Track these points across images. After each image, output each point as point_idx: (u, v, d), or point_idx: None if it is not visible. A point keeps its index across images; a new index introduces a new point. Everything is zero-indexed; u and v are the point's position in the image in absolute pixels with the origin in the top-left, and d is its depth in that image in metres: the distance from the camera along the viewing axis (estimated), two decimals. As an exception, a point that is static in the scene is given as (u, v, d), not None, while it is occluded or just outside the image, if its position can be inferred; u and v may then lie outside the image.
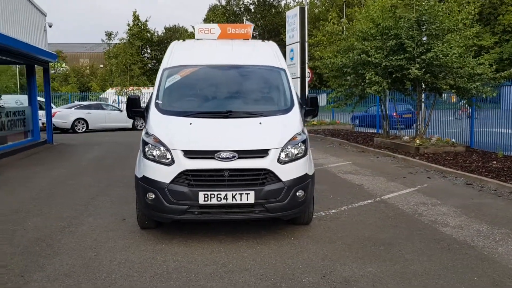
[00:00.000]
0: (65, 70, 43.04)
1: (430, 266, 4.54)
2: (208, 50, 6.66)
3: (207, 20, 46.13)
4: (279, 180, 5.00)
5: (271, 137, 5.16)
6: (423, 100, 13.83)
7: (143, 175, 5.15)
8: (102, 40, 42.64)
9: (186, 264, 4.56)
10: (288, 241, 5.25)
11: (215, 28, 7.06)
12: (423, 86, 13.37)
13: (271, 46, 6.85)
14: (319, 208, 6.75)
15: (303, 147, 5.32)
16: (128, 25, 41.88)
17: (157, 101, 5.76)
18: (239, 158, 4.93)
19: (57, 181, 9.08)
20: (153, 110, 5.62)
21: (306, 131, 5.65)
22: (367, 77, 12.56)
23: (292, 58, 21.12)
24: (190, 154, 4.95)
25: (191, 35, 45.68)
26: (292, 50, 21.11)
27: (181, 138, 5.09)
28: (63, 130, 21.68)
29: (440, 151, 12.05)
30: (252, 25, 7.21)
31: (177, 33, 46.05)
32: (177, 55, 6.46)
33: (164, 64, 6.32)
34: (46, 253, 4.91)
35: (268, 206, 4.97)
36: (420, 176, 9.50)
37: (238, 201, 4.88)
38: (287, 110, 5.72)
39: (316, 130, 19.19)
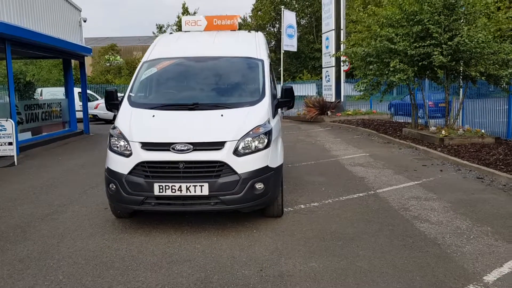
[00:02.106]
0: (119, 63, 44.77)
1: (378, 263, 4.38)
2: (189, 42, 6.74)
3: (254, 10, 46.10)
4: (234, 172, 5.00)
5: (228, 129, 5.15)
6: (461, 88, 13.15)
7: (107, 167, 5.34)
8: (154, 33, 43.93)
9: (135, 254, 4.68)
10: (249, 234, 5.24)
11: (202, 20, 7.14)
12: (456, 74, 12.73)
13: (256, 37, 6.80)
14: (302, 201, 6.69)
15: (265, 139, 5.27)
16: (178, 17, 42.74)
17: (130, 93, 5.91)
18: (194, 150, 4.97)
19: (71, 170, 9.54)
20: (124, 103, 5.78)
21: (272, 123, 5.57)
22: (391, 65, 12.11)
23: (327, 47, 20.76)
24: (147, 146, 5.06)
25: (240, 26, 45.91)
26: (327, 39, 20.74)
27: (140, 130, 5.21)
28: (107, 121, 22.61)
29: (466, 143, 11.43)
30: (238, 16, 7.20)
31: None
32: (158, 48, 6.59)
33: (145, 57, 6.48)
34: (16, 239, 5.22)
35: (223, 198, 4.98)
36: (432, 169, 9.10)
37: (192, 193, 4.94)
38: (255, 101, 5.68)
39: (350, 120, 18.78)
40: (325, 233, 5.26)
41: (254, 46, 6.50)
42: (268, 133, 5.33)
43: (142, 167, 5.03)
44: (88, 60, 50.26)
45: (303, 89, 25.08)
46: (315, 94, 23.52)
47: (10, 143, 10.11)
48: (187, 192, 4.93)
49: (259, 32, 7.12)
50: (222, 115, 5.34)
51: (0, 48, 11.09)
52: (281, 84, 24.45)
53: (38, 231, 5.48)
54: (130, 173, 5.06)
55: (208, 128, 5.20)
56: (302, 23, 45.60)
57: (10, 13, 11.31)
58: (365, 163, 9.91)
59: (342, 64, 19.41)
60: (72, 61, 16.98)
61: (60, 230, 5.50)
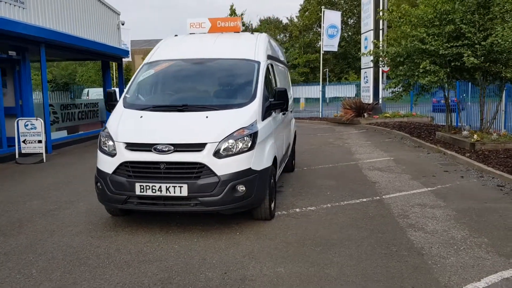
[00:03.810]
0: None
1: (349, 271, 4.24)
2: (189, 45, 6.81)
3: (302, 10, 45.82)
4: (214, 174, 5.00)
5: (210, 131, 5.16)
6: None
7: (97, 166, 5.50)
8: (201, 35, 44.62)
9: (112, 252, 4.79)
10: (231, 236, 5.23)
11: (206, 22, 7.18)
12: (493, 76, 12.10)
13: (257, 39, 6.77)
14: (300, 204, 6.59)
15: (249, 141, 5.23)
16: (225, 19, 43.20)
17: (126, 95, 6.06)
18: (175, 151, 5.03)
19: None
20: (118, 104, 5.93)
21: (260, 125, 5.51)
22: (421, 66, 11.69)
23: (366, 47, 20.25)
24: (130, 146, 5.17)
25: (286, 26, 45.85)
26: (366, 39, 20.27)
27: (126, 131, 5.32)
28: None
29: (499, 148, 10.80)
30: (240, 18, 7.18)
31: (271, 24, 46.53)
32: (160, 50, 6.71)
33: (147, 59, 6.61)
34: (11, 233, 5.49)
35: (202, 199, 5.00)
36: (453, 175, 8.68)
37: (172, 194, 4.99)
38: (245, 103, 5.65)
39: (386, 123, 18.24)
40: (308, 238, 5.15)
41: (253, 47, 6.46)
42: (253, 135, 5.29)
43: (125, 167, 5.15)
44: (140, 62, 51.94)
45: (342, 91, 24.67)
46: (354, 95, 23.06)
47: (40, 141, 10.61)
48: (167, 192, 4.99)
49: (262, 34, 7.07)
50: (207, 117, 5.36)
51: (36, 50, 11.66)
52: (320, 85, 24.21)
53: (34, 226, 5.73)
54: (114, 172, 5.19)
55: (190, 130, 5.23)
56: (350, 23, 44.86)
57: (45, 17, 11.88)
58: (384, 167, 9.61)
59: (381, 64, 18.95)
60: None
61: (55, 226, 5.72)
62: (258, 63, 6.21)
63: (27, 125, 10.57)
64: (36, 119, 10.66)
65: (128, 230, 5.47)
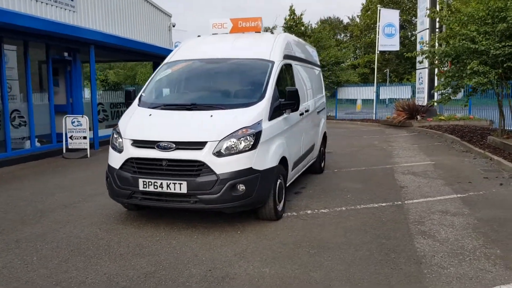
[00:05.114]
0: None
1: (335, 276, 4.13)
2: (209, 45, 6.90)
3: (363, 9, 44.82)
4: (213, 172, 5.05)
5: (212, 129, 5.21)
6: None
7: (108, 162, 5.73)
8: (261, 36, 44.82)
9: (113, 244, 4.98)
10: (231, 235, 5.25)
11: (227, 22, 7.24)
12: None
13: (276, 39, 6.73)
14: (314, 206, 6.50)
15: (251, 140, 5.23)
16: (285, 19, 43.14)
17: (142, 93, 6.26)
18: (177, 149, 5.13)
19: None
20: (134, 102, 6.14)
21: (265, 125, 5.48)
22: (468, 67, 11.10)
23: (421, 47, 19.47)
24: (136, 143, 5.35)
25: (346, 26, 45.04)
26: (421, 38, 19.46)
27: (133, 128, 5.51)
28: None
29: (553, 155, 10.02)
30: (260, 18, 7.12)
31: (331, 24, 45.86)
32: (181, 50, 6.87)
33: (167, 59, 6.78)
34: (31, 222, 5.85)
35: (201, 197, 5.07)
36: (492, 182, 8.16)
37: (172, 190, 5.10)
38: (252, 103, 5.65)
39: (440, 126, 17.44)
40: (307, 240, 5.07)
41: (270, 48, 6.43)
42: (256, 135, 5.28)
43: (130, 163, 5.33)
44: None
45: (398, 92, 23.86)
46: (409, 97, 22.24)
47: (85, 137, 11.20)
48: (167, 189, 5.11)
49: (282, 34, 7.02)
50: (211, 116, 5.42)
51: (86, 51, 12.31)
52: (374, 86, 23.61)
53: (53, 217, 6.07)
54: (120, 168, 5.39)
55: (193, 128, 5.32)
56: (414, 21, 43.28)
57: (95, 19, 12.52)
58: (420, 172, 9.21)
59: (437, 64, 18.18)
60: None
61: (71, 217, 6.02)
62: (272, 62, 6.18)
63: (74, 122, 11.19)
64: (82, 117, 11.25)
65: (136, 224, 5.65)
